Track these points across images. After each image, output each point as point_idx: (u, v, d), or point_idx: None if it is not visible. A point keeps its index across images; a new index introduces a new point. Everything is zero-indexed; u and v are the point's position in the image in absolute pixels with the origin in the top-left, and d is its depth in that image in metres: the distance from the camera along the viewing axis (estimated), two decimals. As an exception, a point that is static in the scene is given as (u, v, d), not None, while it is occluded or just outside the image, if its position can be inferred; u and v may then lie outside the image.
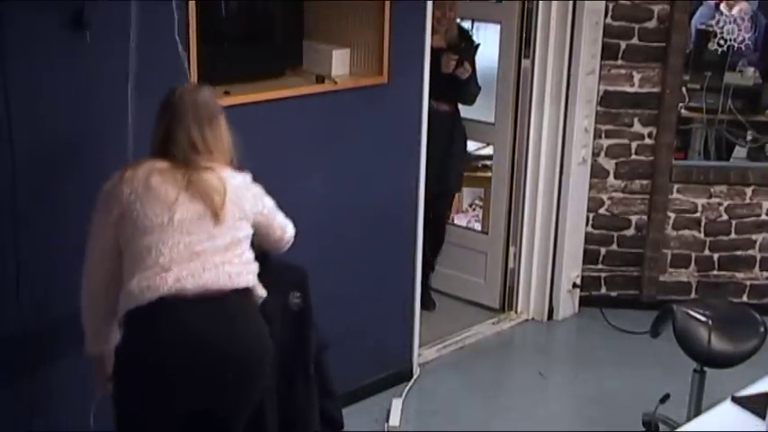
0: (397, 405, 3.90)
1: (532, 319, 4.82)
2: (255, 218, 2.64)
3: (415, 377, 4.17)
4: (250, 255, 2.60)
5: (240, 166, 2.66)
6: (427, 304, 4.64)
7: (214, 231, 2.49)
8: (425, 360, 4.33)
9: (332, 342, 3.54)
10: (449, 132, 4.56)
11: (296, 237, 3.39)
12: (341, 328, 3.72)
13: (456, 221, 5.13)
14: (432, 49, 4.03)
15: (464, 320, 4.73)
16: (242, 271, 2.52)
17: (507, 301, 4.86)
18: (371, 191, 3.79)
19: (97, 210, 2.53)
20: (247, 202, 2.61)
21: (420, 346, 4.24)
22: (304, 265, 3.25)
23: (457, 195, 5.14)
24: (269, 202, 2.74)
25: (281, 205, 3.36)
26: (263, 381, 2.56)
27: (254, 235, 2.64)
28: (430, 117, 4.13)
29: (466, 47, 4.52)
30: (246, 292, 2.54)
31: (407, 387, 4.09)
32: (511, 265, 4.82)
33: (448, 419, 3.90)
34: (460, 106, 4.69)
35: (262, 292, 2.61)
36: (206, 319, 2.44)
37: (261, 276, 2.88)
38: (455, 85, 4.47)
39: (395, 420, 3.80)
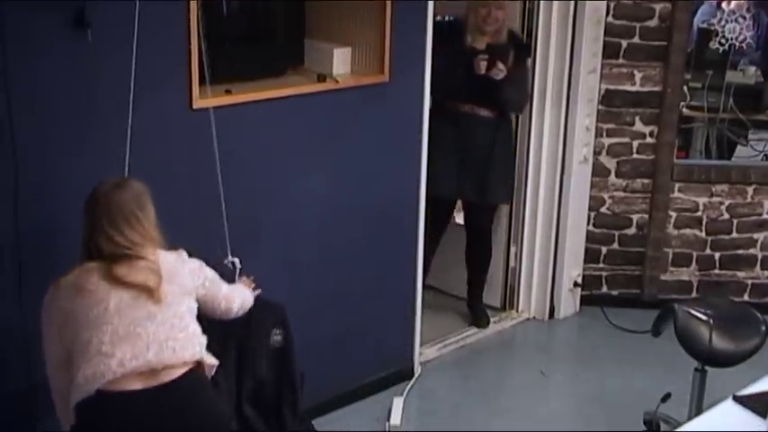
0: (398, 404, 3.90)
1: (534, 317, 4.81)
2: (198, 291, 2.64)
3: (416, 376, 4.17)
4: (196, 327, 2.58)
5: (173, 246, 2.64)
6: (480, 320, 4.62)
7: (153, 310, 2.48)
8: (427, 359, 4.32)
9: (333, 341, 3.75)
10: (490, 139, 4.30)
11: (297, 235, 3.53)
12: (342, 326, 3.81)
13: (457, 220, 5.02)
14: (472, 49, 4.00)
15: (465, 319, 4.72)
16: (187, 344, 2.49)
17: (508, 300, 4.85)
18: (372, 190, 3.79)
19: (42, 323, 2.54)
20: (185, 277, 2.60)
21: (421, 344, 4.24)
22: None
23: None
24: (210, 273, 2.73)
25: (283, 204, 3.47)
26: None
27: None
28: (465, 122, 4.16)
29: (506, 48, 4.22)
30: (195, 365, 2.52)
31: (409, 386, 4.09)
32: (512, 263, 4.82)
33: (449, 418, 3.90)
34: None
35: (212, 361, 2.60)
36: (152, 410, 2.42)
37: (242, 318, 2.96)
38: (493, 90, 4.20)
39: (396, 419, 3.80)
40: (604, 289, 4.91)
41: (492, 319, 4.74)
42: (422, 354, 4.28)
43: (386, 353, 4.05)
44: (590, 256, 4.83)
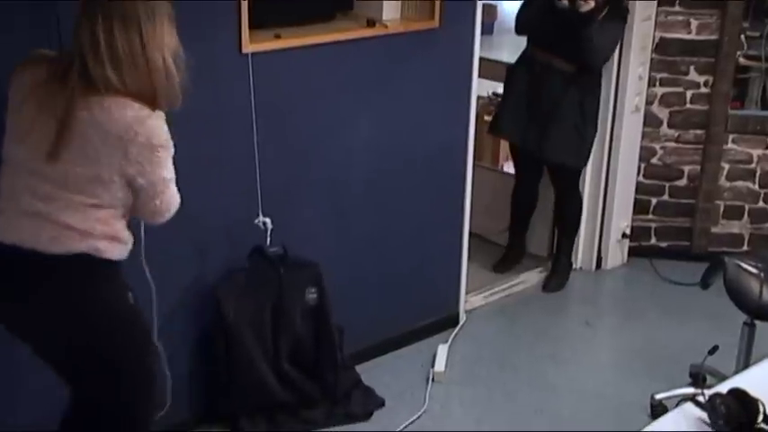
0: (442, 351, 3.90)
1: (580, 268, 4.78)
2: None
3: (461, 323, 4.17)
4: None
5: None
6: (551, 283, 4.57)
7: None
8: (472, 307, 4.32)
9: (379, 288, 3.78)
10: (561, 94, 4.10)
11: (345, 182, 3.55)
12: (388, 274, 3.82)
13: (505, 168, 5.07)
14: None
15: (514, 267, 4.72)
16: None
17: (555, 250, 4.77)
18: (420, 137, 3.76)
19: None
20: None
21: (467, 293, 4.24)
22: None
23: (501, 142, 4.99)
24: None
25: (331, 151, 3.46)
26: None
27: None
28: (540, 71, 4.09)
29: None
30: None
31: (453, 333, 4.09)
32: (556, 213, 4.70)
33: (493, 366, 3.91)
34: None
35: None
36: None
37: (277, 275, 3.03)
38: (576, 37, 3.95)
39: (440, 365, 3.80)
40: (653, 241, 4.87)
41: (537, 269, 4.72)
42: (467, 302, 4.27)
43: (431, 300, 4.05)
44: (639, 208, 4.78)
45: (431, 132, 3.79)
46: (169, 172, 2.23)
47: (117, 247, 2.27)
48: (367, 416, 3.51)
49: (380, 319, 3.81)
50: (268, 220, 3.22)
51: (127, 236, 2.30)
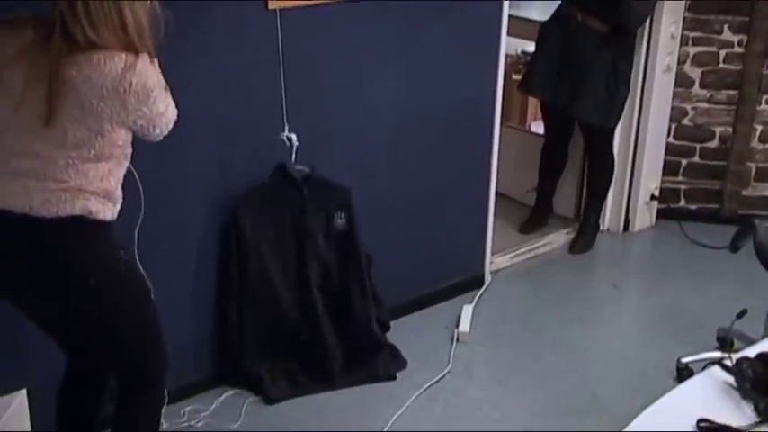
0: (467, 311, 3.90)
1: (608, 230, 4.76)
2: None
3: (486, 284, 4.16)
4: None
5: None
6: (577, 245, 4.53)
7: None
8: (497, 268, 4.32)
9: (404, 248, 3.75)
10: (594, 53, 4.05)
11: (369, 140, 3.56)
12: (413, 233, 3.80)
13: (533, 128, 5.02)
14: None
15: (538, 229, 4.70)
16: None
17: (582, 212, 4.75)
18: (447, 95, 3.72)
19: None
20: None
21: (492, 253, 4.22)
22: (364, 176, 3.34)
23: (530, 100, 4.93)
24: None
25: (355, 108, 3.43)
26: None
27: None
28: (575, 29, 4.04)
29: None
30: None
31: (478, 294, 4.08)
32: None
33: (518, 327, 3.89)
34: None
35: None
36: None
37: (304, 196, 2.97)
38: None
39: (465, 326, 3.79)
40: (682, 203, 4.85)
41: (564, 230, 4.69)
42: (493, 262, 4.26)
43: (457, 261, 4.04)
44: (669, 169, 4.75)
45: (458, 90, 3.74)
46: (164, 103, 2.25)
47: (109, 208, 2.27)
48: (391, 378, 3.50)
49: (405, 279, 3.80)
50: (294, 136, 3.14)
51: (119, 195, 2.30)
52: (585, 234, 4.58)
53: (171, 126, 2.31)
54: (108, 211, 2.25)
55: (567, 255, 4.53)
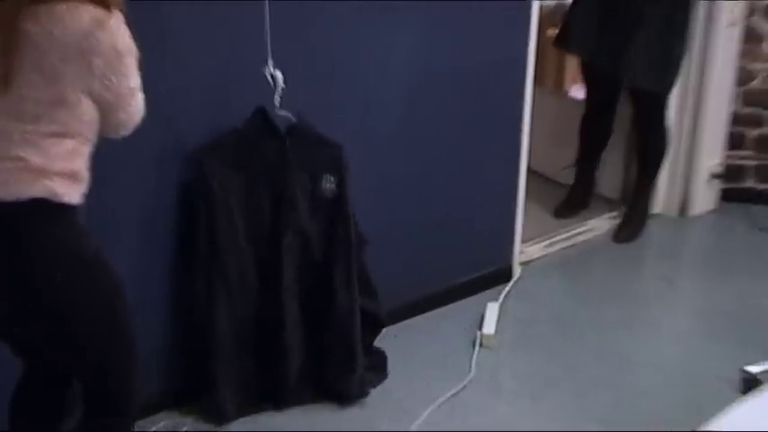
0: (492, 310, 3.79)
1: (660, 214, 4.66)
2: None
3: (514, 278, 4.08)
4: None
5: None
6: (622, 233, 4.40)
7: None
8: (528, 258, 4.23)
9: (418, 235, 3.68)
10: (643, 3, 3.94)
11: (380, 103, 3.45)
12: (429, 217, 3.72)
13: (571, 93, 4.92)
14: None
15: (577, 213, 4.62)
16: None
17: (631, 192, 4.64)
18: (471, 51, 3.58)
19: None
20: None
21: (523, 241, 4.14)
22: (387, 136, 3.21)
23: (568, 59, 4.83)
24: None
25: (364, 63, 3.34)
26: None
27: None
28: None
29: None
30: None
31: (505, 290, 3.98)
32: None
33: (552, 330, 3.77)
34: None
35: None
36: None
37: (286, 149, 2.90)
38: None
39: (489, 328, 3.67)
40: (749, 182, 4.75)
41: (608, 215, 4.58)
42: (522, 252, 4.17)
43: (480, 250, 3.94)
44: (734, 142, 4.64)
45: (483, 46, 3.62)
46: (135, 80, 2.21)
47: (75, 189, 2.21)
48: (361, 395, 3.26)
49: (419, 271, 3.71)
50: (279, 74, 2.94)
51: (86, 174, 2.24)
52: (633, 219, 4.48)
53: (137, 120, 2.27)
54: (74, 193, 2.21)
55: (611, 244, 4.45)
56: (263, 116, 2.99)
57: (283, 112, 3.01)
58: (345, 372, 3.23)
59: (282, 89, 2.95)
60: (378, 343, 3.41)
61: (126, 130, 2.29)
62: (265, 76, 2.94)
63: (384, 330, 3.46)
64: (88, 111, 2.15)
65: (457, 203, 3.77)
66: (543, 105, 4.40)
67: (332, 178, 3.08)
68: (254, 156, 3.03)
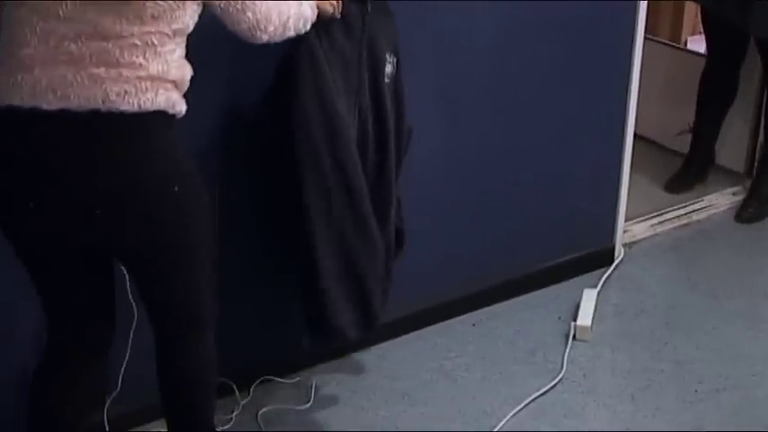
0: (589, 298, 3.74)
1: None
2: None
3: (616, 262, 4.02)
4: None
5: None
6: (745, 211, 4.36)
7: None
8: (633, 239, 4.17)
9: (504, 211, 3.67)
10: None
11: (460, 57, 3.39)
12: (516, 189, 3.68)
13: (689, 45, 4.83)
14: None
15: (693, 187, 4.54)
16: None
17: (757, 164, 4.54)
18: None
19: None
20: None
21: (627, 219, 4.08)
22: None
23: (687, 5, 4.75)
24: None
25: (443, 9, 3.27)
26: (159, 213, 2.34)
27: None
28: None
29: None
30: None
31: (605, 275, 3.93)
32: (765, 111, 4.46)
33: (659, 322, 3.70)
34: None
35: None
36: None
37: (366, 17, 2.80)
38: None
39: (585, 319, 3.62)
40: None
41: (730, 189, 4.51)
42: (627, 231, 4.13)
43: (576, 228, 3.89)
44: None
45: None
46: None
47: (183, 101, 2.32)
48: (346, 339, 3.06)
49: (503, 252, 3.68)
50: None
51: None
52: (760, 195, 4.38)
53: (274, 19, 2.37)
54: (184, 105, 2.33)
55: (732, 224, 4.37)
56: None
57: None
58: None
59: None
60: (453, 330, 3.46)
61: (264, 33, 2.35)
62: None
63: (460, 317, 3.51)
64: (192, 12, 2.24)
65: (550, 174, 3.72)
66: (655, 59, 4.34)
67: (392, 58, 3.00)
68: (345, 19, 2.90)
